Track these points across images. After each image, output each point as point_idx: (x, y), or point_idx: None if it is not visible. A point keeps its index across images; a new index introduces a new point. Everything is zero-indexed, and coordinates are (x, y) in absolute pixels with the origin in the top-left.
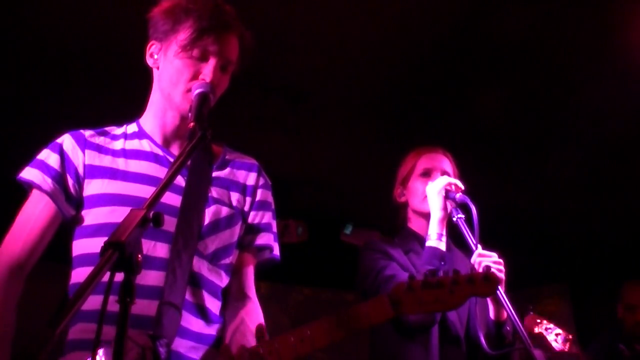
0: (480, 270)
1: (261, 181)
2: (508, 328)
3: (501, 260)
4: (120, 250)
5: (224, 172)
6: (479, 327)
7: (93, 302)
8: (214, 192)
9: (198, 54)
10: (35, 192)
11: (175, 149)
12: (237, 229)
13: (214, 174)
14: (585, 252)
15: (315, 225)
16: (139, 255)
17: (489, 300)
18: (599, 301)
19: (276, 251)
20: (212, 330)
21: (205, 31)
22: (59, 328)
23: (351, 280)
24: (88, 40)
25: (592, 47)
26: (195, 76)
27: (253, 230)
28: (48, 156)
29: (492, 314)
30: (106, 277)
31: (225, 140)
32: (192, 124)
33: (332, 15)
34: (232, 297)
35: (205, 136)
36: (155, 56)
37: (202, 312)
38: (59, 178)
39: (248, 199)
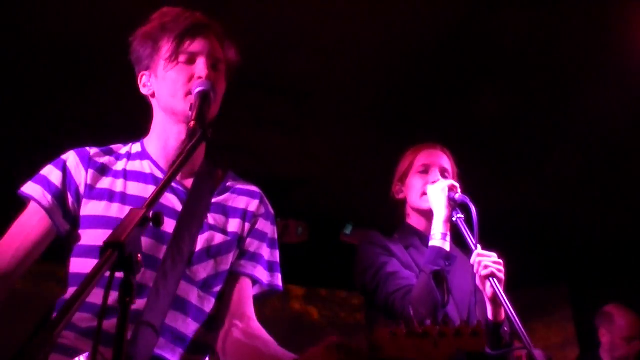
0: (481, 270)
1: (262, 210)
2: (506, 329)
3: (501, 261)
4: (120, 250)
5: (224, 198)
6: None
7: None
8: (211, 218)
9: (185, 59)
10: (32, 204)
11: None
12: (230, 257)
13: (214, 199)
14: (585, 252)
15: (315, 225)
16: (139, 255)
17: (487, 300)
18: (599, 302)
19: (266, 279)
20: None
21: (184, 35)
22: (57, 330)
23: (351, 280)
24: (105, 42)
25: (592, 46)
26: (190, 79)
27: (243, 256)
28: (50, 172)
29: (490, 314)
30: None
31: (225, 140)
32: (192, 122)
33: (333, 15)
34: (227, 326)
35: (205, 135)
36: (148, 83)
37: (183, 341)
38: (59, 195)
39: (247, 225)
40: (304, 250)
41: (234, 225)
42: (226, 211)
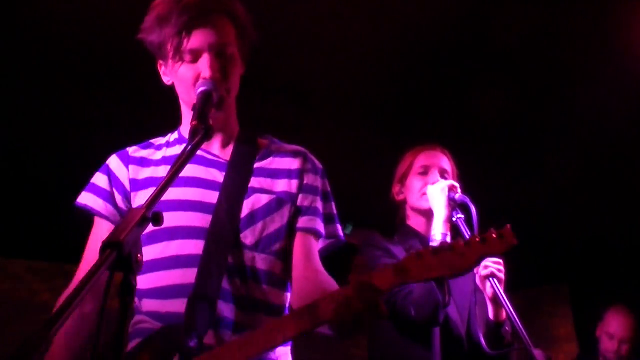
0: (481, 270)
1: (308, 165)
2: (507, 328)
3: (501, 261)
4: (119, 250)
5: (268, 162)
6: (479, 326)
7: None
8: (255, 182)
9: (190, 58)
10: (96, 219)
11: (213, 147)
12: (284, 213)
13: (257, 165)
14: (585, 252)
15: None
16: (139, 255)
17: (488, 300)
18: (599, 302)
19: (324, 230)
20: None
21: (181, 34)
22: (53, 329)
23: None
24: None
25: (592, 46)
26: (197, 77)
27: (300, 213)
28: (98, 178)
29: (491, 314)
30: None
31: None
32: (194, 122)
33: (332, 15)
34: (297, 282)
35: (208, 135)
36: (167, 73)
37: (252, 304)
38: (109, 197)
39: (295, 182)
40: None
41: (281, 185)
42: (271, 174)
